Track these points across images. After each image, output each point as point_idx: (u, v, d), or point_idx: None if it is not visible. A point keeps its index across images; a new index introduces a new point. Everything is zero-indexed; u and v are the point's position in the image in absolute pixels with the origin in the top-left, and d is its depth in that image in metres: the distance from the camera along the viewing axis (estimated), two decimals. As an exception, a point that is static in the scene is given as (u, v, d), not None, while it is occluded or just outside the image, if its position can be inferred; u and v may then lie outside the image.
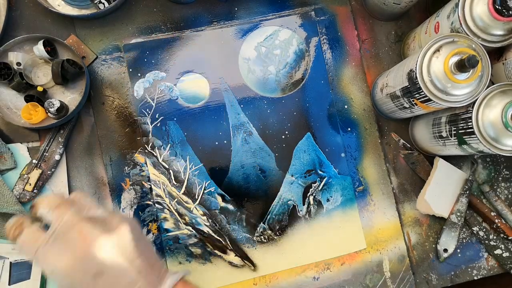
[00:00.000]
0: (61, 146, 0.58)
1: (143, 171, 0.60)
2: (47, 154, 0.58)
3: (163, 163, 0.60)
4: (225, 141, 0.62)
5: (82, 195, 0.41)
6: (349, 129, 0.64)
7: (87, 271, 0.36)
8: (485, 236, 0.64)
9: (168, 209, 0.60)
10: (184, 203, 0.60)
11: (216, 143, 0.62)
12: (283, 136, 0.63)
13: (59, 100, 0.55)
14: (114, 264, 0.37)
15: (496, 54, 0.57)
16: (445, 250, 0.62)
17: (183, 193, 0.60)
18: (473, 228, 0.64)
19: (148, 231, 0.59)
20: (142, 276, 0.38)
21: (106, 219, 0.39)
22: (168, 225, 0.60)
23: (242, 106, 0.63)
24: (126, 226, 0.39)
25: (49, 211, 0.38)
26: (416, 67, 0.49)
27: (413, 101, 0.53)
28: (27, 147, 0.59)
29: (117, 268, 0.37)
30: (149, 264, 0.39)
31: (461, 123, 0.52)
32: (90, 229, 0.37)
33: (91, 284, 0.36)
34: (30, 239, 0.37)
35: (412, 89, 0.52)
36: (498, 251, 0.64)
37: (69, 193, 0.59)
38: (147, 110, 0.61)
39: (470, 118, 0.50)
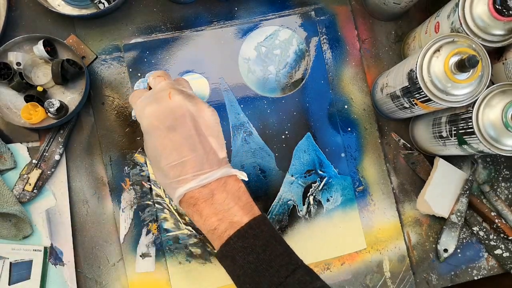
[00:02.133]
0: (61, 146, 0.58)
1: (143, 171, 0.60)
2: (47, 154, 0.58)
3: (163, 163, 0.60)
4: (225, 141, 0.62)
5: (184, 80, 0.50)
6: (349, 129, 0.64)
7: (163, 121, 0.43)
8: (485, 236, 0.64)
9: (168, 209, 0.60)
10: (184, 203, 0.60)
11: (216, 143, 0.61)
12: (283, 136, 0.63)
13: (59, 100, 0.55)
14: (185, 127, 0.44)
15: (496, 54, 0.57)
16: (445, 250, 0.62)
17: (183, 193, 0.60)
18: (473, 228, 0.64)
19: (148, 231, 0.59)
20: (203, 149, 0.44)
21: (195, 98, 0.46)
22: (168, 225, 0.60)
23: (242, 106, 0.63)
24: (211, 110, 0.46)
25: (153, 78, 0.48)
26: (416, 67, 0.49)
27: (413, 101, 0.53)
28: (27, 147, 0.59)
29: (187, 132, 0.44)
30: (212, 147, 0.45)
31: (461, 123, 0.52)
32: (178, 95, 0.45)
33: (163, 135, 0.43)
34: (137, 93, 0.48)
35: (412, 89, 0.52)
36: (498, 251, 0.64)
37: (69, 193, 0.59)
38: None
39: (470, 118, 0.50)
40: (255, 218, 0.44)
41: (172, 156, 0.43)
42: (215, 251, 0.44)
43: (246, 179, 0.47)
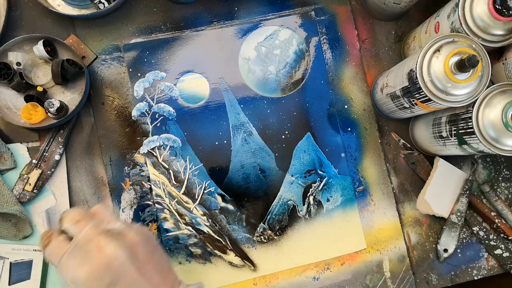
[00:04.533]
0: (61, 146, 0.58)
1: (143, 171, 0.60)
2: (47, 154, 0.58)
3: (163, 163, 0.60)
4: (225, 141, 0.62)
5: (103, 209, 0.44)
6: (349, 129, 0.64)
7: (102, 281, 0.39)
8: (485, 236, 0.64)
9: (168, 209, 0.60)
10: (184, 203, 0.60)
11: (216, 143, 0.61)
12: (283, 136, 0.63)
13: (59, 100, 0.55)
14: (127, 276, 0.39)
15: (496, 54, 0.57)
16: (445, 250, 0.62)
17: (183, 193, 0.60)
18: (473, 228, 0.64)
19: (148, 231, 0.59)
20: (154, 285, 0.40)
21: (123, 232, 0.42)
22: (168, 225, 0.60)
23: (242, 106, 0.63)
24: (139, 239, 0.42)
25: (71, 225, 0.42)
26: (416, 67, 0.49)
27: (413, 101, 0.53)
28: (27, 147, 0.59)
29: (130, 279, 0.40)
30: (162, 276, 0.41)
31: (461, 123, 0.52)
32: (106, 242, 0.40)
33: None
34: (56, 249, 0.41)
35: (412, 89, 0.52)
36: (498, 251, 0.63)
37: (69, 193, 0.59)
38: (147, 110, 0.61)
39: (470, 118, 0.50)
40: None
41: None
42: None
43: (203, 287, 0.44)
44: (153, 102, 0.61)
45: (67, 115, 0.57)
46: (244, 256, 0.60)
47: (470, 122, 0.50)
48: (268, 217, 0.61)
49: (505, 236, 0.63)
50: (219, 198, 0.61)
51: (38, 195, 0.58)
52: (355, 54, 0.66)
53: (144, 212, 0.60)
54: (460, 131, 0.52)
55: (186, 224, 0.60)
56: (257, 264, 0.60)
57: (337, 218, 0.62)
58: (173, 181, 0.60)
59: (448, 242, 0.62)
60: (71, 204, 0.59)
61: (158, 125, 0.61)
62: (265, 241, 0.61)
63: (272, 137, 0.63)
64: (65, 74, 0.57)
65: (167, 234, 0.59)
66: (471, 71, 0.48)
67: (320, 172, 0.63)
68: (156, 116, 0.61)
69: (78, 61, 0.57)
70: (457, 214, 0.62)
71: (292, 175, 0.62)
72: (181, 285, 0.43)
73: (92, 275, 0.39)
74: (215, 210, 0.60)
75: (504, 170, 0.66)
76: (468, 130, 0.50)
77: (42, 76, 0.58)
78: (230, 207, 0.61)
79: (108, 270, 0.39)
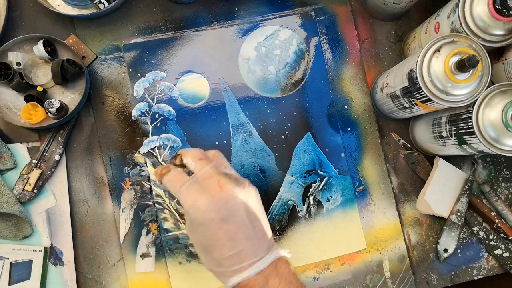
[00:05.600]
0: (61, 146, 0.58)
1: (143, 171, 0.60)
2: (47, 154, 0.58)
3: (163, 163, 0.60)
4: (225, 141, 0.62)
5: (220, 154, 0.48)
6: (349, 129, 0.64)
7: (218, 213, 0.43)
8: (485, 236, 0.64)
9: (168, 209, 0.60)
10: (184, 203, 0.60)
11: (216, 143, 0.61)
12: (283, 136, 0.63)
13: (59, 100, 0.55)
14: (238, 216, 0.43)
15: (496, 54, 0.57)
16: (445, 250, 0.62)
17: (183, 193, 0.60)
18: (473, 228, 0.64)
19: (148, 231, 0.59)
20: (256, 235, 0.44)
21: (240, 179, 0.46)
22: (168, 225, 0.60)
23: (242, 106, 0.63)
24: (254, 190, 0.46)
25: (193, 161, 0.46)
26: (416, 67, 0.49)
27: (413, 101, 0.53)
28: (27, 147, 0.59)
29: (240, 221, 0.43)
30: (263, 230, 0.45)
31: (461, 123, 0.52)
32: (227, 181, 0.44)
33: (217, 226, 0.43)
34: (176, 178, 0.45)
35: (412, 89, 0.52)
36: (498, 251, 0.63)
37: (69, 193, 0.59)
38: (147, 110, 0.61)
39: (470, 118, 0.50)
40: None
41: (226, 247, 0.43)
42: None
43: (290, 256, 0.47)
44: (153, 102, 0.61)
45: (67, 115, 0.57)
46: (244, 256, 0.60)
47: (470, 122, 0.50)
48: (268, 217, 0.61)
49: (505, 236, 0.63)
50: (219, 198, 0.61)
51: (38, 195, 0.58)
52: (355, 54, 0.66)
53: (144, 212, 0.60)
54: (460, 131, 0.52)
55: (186, 224, 0.60)
56: (257, 264, 0.60)
57: (337, 218, 0.62)
58: (173, 181, 0.60)
59: (448, 242, 0.62)
60: (71, 204, 0.59)
61: (158, 125, 0.61)
62: (265, 241, 0.61)
63: (272, 137, 0.63)
64: (65, 74, 0.57)
65: (167, 234, 0.59)
66: (471, 71, 0.48)
67: (320, 172, 0.63)
68: (156, 116, 0.61)
69: (78, 61, 0.57)
70: (457, 214, 0.62)
71: (292, 175, 0.62)
72: (275, 244, 0.47)
73: (210, 206, 0.42)
74: (215, 210, 0.60)
75: (504, 170, 0.66)
76: (468, 130, 0.50)
77: (42, 76, 0.58)
78: (230, 207, 0.61)
79: (224, 205, 0.43)
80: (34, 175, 0.57)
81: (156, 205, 0.60)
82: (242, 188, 0.45)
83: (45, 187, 0.58)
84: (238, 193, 0.44)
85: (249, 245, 0.43)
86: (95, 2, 0.59)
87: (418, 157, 0.65)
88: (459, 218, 0.62)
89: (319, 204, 0.62)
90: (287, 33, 0.65)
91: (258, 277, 0.43)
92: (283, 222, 0.61)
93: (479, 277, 0.64)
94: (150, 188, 0.60)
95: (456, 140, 0.54)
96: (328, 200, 0.62)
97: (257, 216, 0.45)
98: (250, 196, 0.45)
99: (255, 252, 0.43)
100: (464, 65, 0.46)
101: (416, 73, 0.49)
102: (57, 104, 0.55)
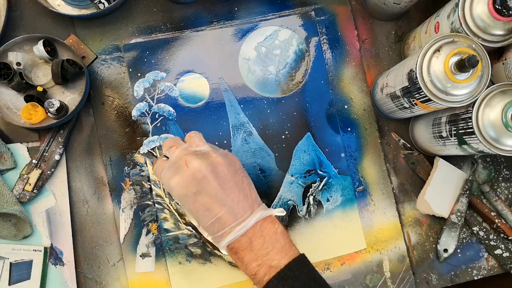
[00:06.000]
0: (61, 146, 0.58)
1: (143, 171, 0.60)
2: (47, 154, 0.58)
3: (163, 163, 0.60)
4: (225, 141, 0.62)
5: (194, 135, 0.51)
6: (349, 129, 0.64)
7: (189, 189, 0.47)
8: (485, 236, 0.64)
9: (168, 209, 0.60)
10: (184, 203, 0.60)
11: (216, 143, 0.61)
12: (283, 136, 0.63)
13: (59, 100, 0.55)
14: (209, 187, 0.46)
15: (496, 54, 0.57)
16: (445, 250, 0.62)
17: (183, 193, 0.60)
18: (473, 228, 0.64)
19: (148, 231, 0.59)
20: (232, 200, 0.46)
21: (208, 153, 0.49)
22: (168, 225, 0.60)
23: (242, 106, 0.63)
24: (222, 160, 0.48)
25: (166, 150, 0.50)
26: (416, 67, 0.49)
27: (413, 101, 0.53)
28: (27, 147, 0.59)
29: (212, 191, 0.46)
30: (242, 194, 0.47)
31: (461, 123, 0.52)
32: (192, 158, 0.47)
33: (192, 200, 0.47)
34: (159, 166, 0.50)
35: (412, 89, 0.52)
36: (498, 251, 0.63)
37: (69, 193, 0.59)
38: (147, 110, 0.61)
39: (470, 118, 0.50)
40: (294, 259, 0.46)
41: (206, 216, 0.47)
42: None
43: (284, 214, 0.50)
44: (153, 102, 0.61)
45: (67, 115, 0.57)
46: (244, 256, 0.60)
47: (470, 122, 0.50)
48: (268, 217, 0.61)
49: (505, 236, 0.63)
50: (219, 198, 0.61)
51: (38, 195, 0.58)
52: (355, 54, 0.66)
53: (144, 212, 0.60)
54: (460, 131, 0.52)
55: (186, 224, 0.60)
56: (257, 264, 0.60)
57: (337, 218, 0.62)
58: (173, 181, 0.60)
59: (448, 242, 0.62)
60: (71, 204, 0.59)
61: (158, 125, 0.61)
62: (265, 241, 0.61)
63: (272, 137, 0.63)
64: (65, 74, 0.57)
65: (167, 234, 0.59)
66: (471, 71, 0.48)
67: (320, 172, 0.63)
68: (156, 116, 0.61)
69: (78, 61, 0.57)
70: (457, 214, 0.62)
71: (292, 175, 0.62)
72: (261, 205, 0.49)
73: (181, 184, 0.47)
74: (215, 210, 0.60)
75: (504, 170, 0.66)
76: (468, 130, 0.50)
77: (42, 76, 0.58)
78: (230, 207, 0.61)
79: (193, 180, 0.46)
80: (34, 175, 0.57)
81: (156, 205, 0.60)
82: (207, 159, 0.47)
83: (45, 187, 0.58)
84: (202, 165, 0.46)
85: (225, 211, 0.46)
86: (95, 2, 0.59)
87: (418, 157, 0.65)
88: (459, 218, 0.62)
89: (319, 204, 0.62)
90: (287, 33, 0.65)
91: (241, 238, 0.46)
92: (283, 222, 0.61)
93: (479, 277, 0.64)
94: (150, 188, 0.60)
95: (456, 140, 0.54)
96: (328, 200, 0.62)
97: (229, 182, 0.47)
98: (218, 164, 0.47)
99: (234, 216, 0.46)
100: (464, 65, 0.46)
101: (416, 73, 0.49)
102: (57, 104, 0.55)
